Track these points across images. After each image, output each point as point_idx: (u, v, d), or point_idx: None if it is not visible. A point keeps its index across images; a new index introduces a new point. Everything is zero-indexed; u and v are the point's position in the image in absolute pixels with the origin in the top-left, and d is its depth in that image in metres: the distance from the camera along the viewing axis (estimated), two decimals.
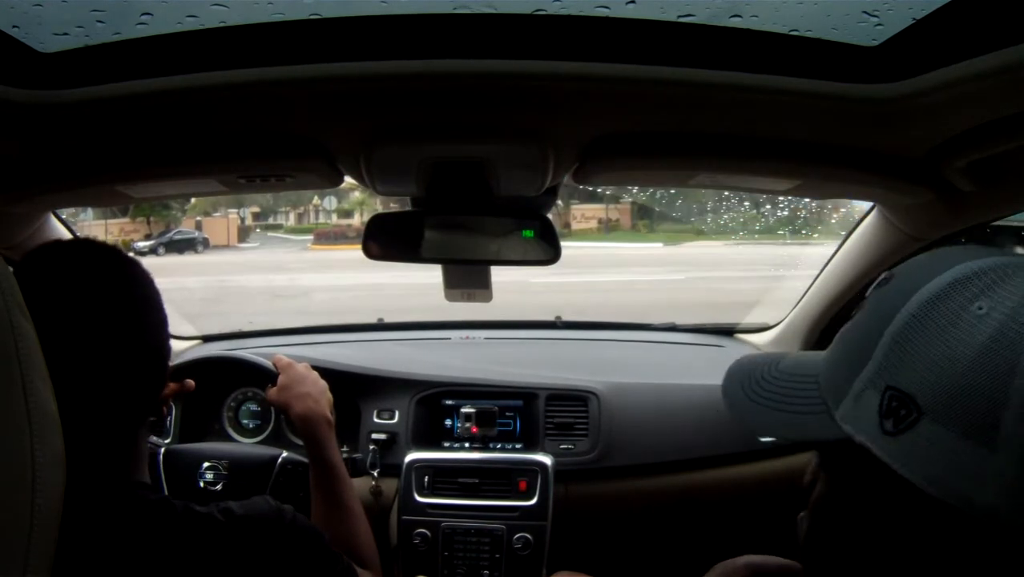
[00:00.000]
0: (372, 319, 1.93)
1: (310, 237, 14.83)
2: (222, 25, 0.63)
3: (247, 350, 1.54)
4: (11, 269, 0.41)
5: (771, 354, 0.52)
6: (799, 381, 0.46)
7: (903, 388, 0.38)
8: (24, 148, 0.80)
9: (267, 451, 1.06)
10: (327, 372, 1.44)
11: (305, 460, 0.98)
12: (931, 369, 0.37)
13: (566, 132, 0.79)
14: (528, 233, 0.94)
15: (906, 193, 0.91)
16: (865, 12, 0.60)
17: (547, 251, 0.94)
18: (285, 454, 1.05)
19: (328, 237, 14.35)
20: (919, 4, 0.58)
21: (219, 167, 0.86)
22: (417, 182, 0.90)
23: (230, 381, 1.50)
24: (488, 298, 1.06)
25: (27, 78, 0.66)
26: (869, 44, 0.64)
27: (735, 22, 0.63)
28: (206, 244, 13.13)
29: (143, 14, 0.62)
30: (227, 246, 13.98)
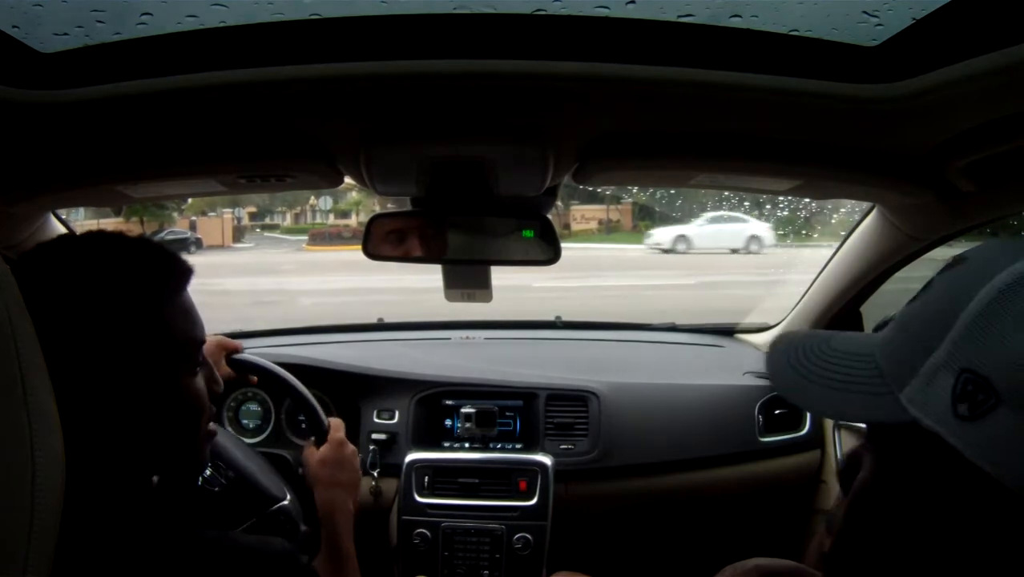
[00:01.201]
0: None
1: (306, 237, 14.72)
2: (222, 25, 0.63)
3: (247, 350, 1.54)
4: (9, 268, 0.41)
5: (818, 332, 0.50)
6: (857, 360, 0.44)
7: (981, 372, 0.36)
8: (24, 148, 0.80)
9: (273, 485, 1.01)
10: (327, 372, 1.45)
11: (295, 519, 0.95)
12: (1011, 355, 0.35)
13: (566, 132, 0.80)
14: (528, 233, 0.94)
15: (906, 193, 0.91)
16: (865, 12, 0.60)
17: (547, 251, 0.94)
18: (286, 503, 1.01)
19: (323, 238, 14.18)
20: (919, 4, 0.58)
21: (219, 167, 0.86)
22: (417, 182, 0.90)
23: (233, 380, 1.50)
24: (488, 298, 1.06)
25: (27, 78, 0.66)
26: (869, 44, 0.64)
27: (735, 22, 0.63)
28: (199, 245, 12.82)
29: (143, 14, 0.62)
30: (222, 246, 13.72)
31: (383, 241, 0.96)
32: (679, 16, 0.62)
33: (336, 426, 1.03)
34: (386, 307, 1.90)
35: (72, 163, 0.82)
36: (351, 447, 1.03)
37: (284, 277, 9.69)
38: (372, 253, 0.96)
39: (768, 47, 0.65)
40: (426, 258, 0.97)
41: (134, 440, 0.61)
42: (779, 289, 1.72)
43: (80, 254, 0.61)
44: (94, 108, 0.70)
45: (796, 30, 0.64)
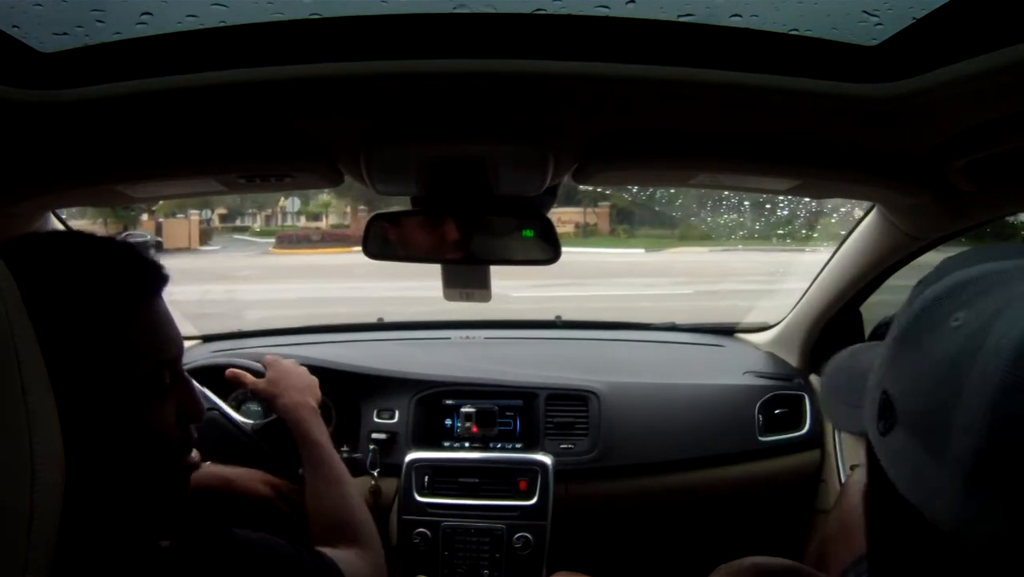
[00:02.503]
0: None
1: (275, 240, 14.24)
2: (222, 25, 0.63)
3: (246, 349, 1.54)
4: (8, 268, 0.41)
5: (872, 344, 0.53)
6: (861, 378, 0.47)
7: (889, 392, 0.38)
8: (24, 148, 0.80)
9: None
10: (327, 372, 1.45)
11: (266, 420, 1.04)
12: (908, 376, 0.37)
13: (566, 131, 0.79)
14: (528, 233, 0.94)
15: (906, 193, 0.91)
16: (865, 12, 0.60)
17: (547, 251, 0.94)
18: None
19: (291, 241, 13.74)
20: (919, 4, 0.58)
21: (219, 167, 0.86)
22: (417, 182, 0.90)
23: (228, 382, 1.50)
24: (487, 298, 1.06)
25: (27, 78, 0.66)
26: (869, 44, 0.64)
27: (735, 21, 0.63)
28: (158, 247, 12.02)
29: (143, 14, 0.62)
30: (188, 249, 12.85)
31: (382, 240, 0.96)
32: (679, 16, 0.62)
33: (266, 358, 1.08)
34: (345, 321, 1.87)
35: (72, 163, 0.82)
36: (288, 361, 1.08)
37: (240, 284, 8.45)
38: (372, 253, 0.96)
39: (768, 46, 0.65)
40: (426, 258, 0.97)
41: (100, 468, 0.52)
42: (783, 300, 1.71)
43: (41, 256, 0.53)
44: (94, 108, 0.70)
45: (796, 29, 0.64)
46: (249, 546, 0.63)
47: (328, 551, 0.73)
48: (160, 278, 0.59)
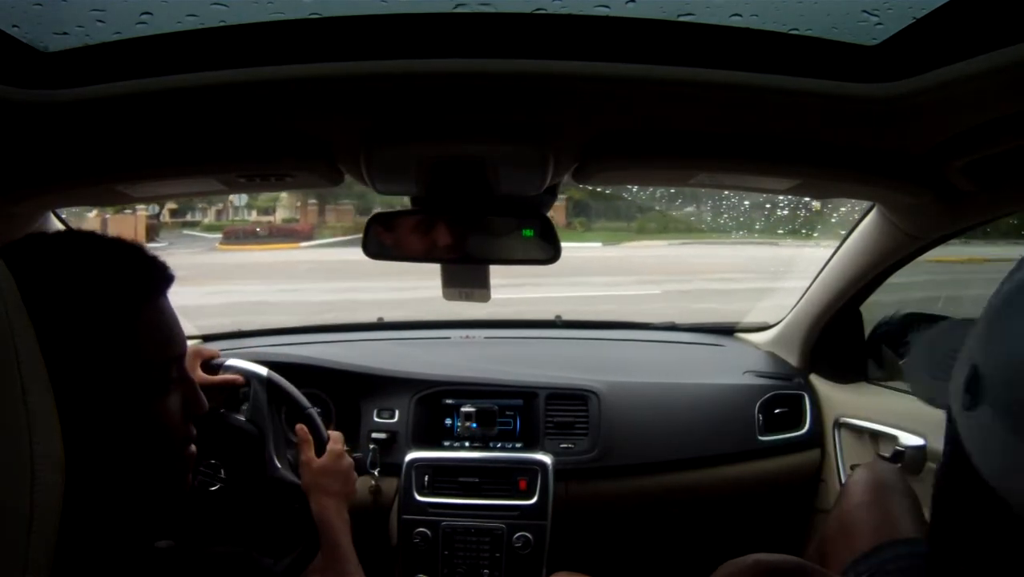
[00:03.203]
0: None
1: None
2: (222, 24, 0.63)
3: (244, 350, 1.54)
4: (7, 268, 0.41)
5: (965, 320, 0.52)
6: (949, 350, 0.46)
7: (980, 367, 0.37)
8: (25, 147, 0.80)
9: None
10: (327, 372, 1.45)
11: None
12: (1000, 353, 0.36)
13: (566, 131, 0.80)
14: (528, 232, 0.94)
15: (906, 193, 0.91)
16: (865, 11, 0.60)
17: (547, 250, 0.94)
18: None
19: (238, 236, 13.14)
20: (919, 4, 0.58)
21: (219, 167, 0.86)
22: (417, 181, 0.90)
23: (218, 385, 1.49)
24: (486, 298, 1.06)
25: (27, 78, 0.66)
26: (869, 43, 0.64)
27: (735, 21, 0.63)
28: None
29: (143, 13, 0.62)
30: None
31: (382, 240, 0.96)
32: (679, 15, 0.62)
33: (335, 438, 1.04)
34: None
35: (72, 163, 0.82)
36: (349, 460, 1.03)
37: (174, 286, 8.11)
38: (371, 253, 0.96)
39: (768, 46, 0.65)
40: (425, 257, 0.97)
41: (102, 458, 0.54)
42: (766, 301, 1.69)
43: (47, 255, 0.55)
44: (94, 107, 0.70)
45: (796, 29, 0.64)
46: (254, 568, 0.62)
47: None
48: (166, 277, 0.60)
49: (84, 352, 0.52)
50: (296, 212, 13.73)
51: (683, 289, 6.61)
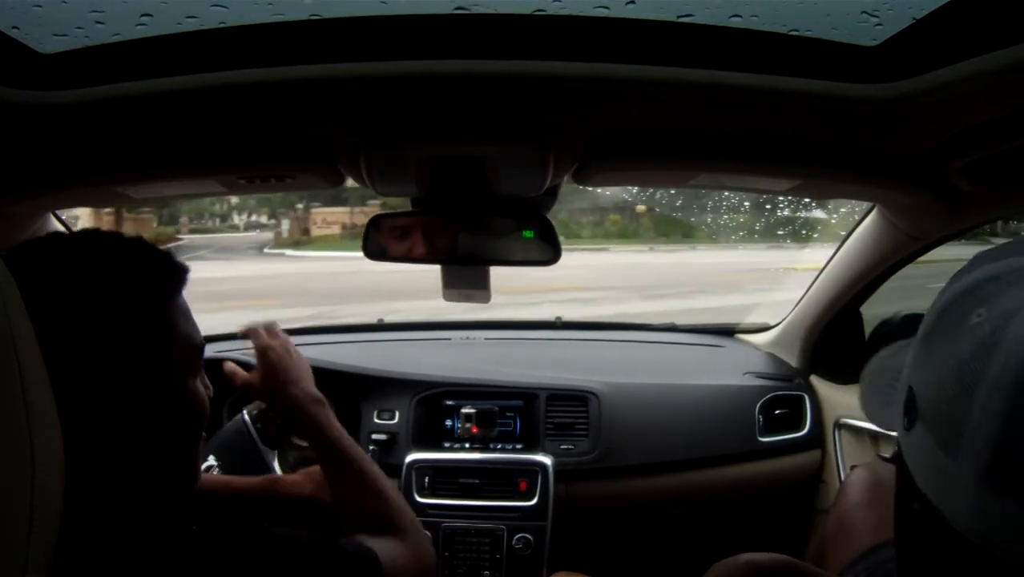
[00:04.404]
0: None
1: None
2: (222, 26, 0.64)
3: (247, 349, 1.53)
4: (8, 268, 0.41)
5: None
6: (896, 371, 0.46)
7: (913, 387, 0.38)
8: (24, 148, 0.80)
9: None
10: (327, 372, 1.45)
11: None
12: (929, 372, 0.37)
13: (566, 132, 0.80)
14: (528, 234, 0.94)
15: (906, 193, 0.91)
16: (865, 12, 0.60)
17: (547, 251, 0.94)
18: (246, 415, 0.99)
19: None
20: (919, 4, 0.58)
21: (219, 168, 0.86)
22: (417, 182, 0.90)
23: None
24: (487, 299, 1.06)
25: (27, 78, 0.66)
26: (869, 44, 0.64)
27: (735, 22, 0.63)
28: None
29: (143, 15, 0.62)
30: None
31: (382, 242, 0.96)
32: (679, 16, 0.62)
33: (260, 346, 0.88)
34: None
35: (72, 164, 0.82)
36: (278, 343, 0.88)
37: None
38: (371, 254, 0.96)
39: (768, 47, 0.65)
40: (425, 259, 0.97)
41: (136, 445, 0.59)
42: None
43: (77, 253, 0.60)
44: (94, 109, 0.70)
45: (796, 30, 0.64)
46: (279, 540, 0.62)
47: (366, 539, 0.70)
48: (186, 269, 0.65)
49: (126, 340, 0.57)
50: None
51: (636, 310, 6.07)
